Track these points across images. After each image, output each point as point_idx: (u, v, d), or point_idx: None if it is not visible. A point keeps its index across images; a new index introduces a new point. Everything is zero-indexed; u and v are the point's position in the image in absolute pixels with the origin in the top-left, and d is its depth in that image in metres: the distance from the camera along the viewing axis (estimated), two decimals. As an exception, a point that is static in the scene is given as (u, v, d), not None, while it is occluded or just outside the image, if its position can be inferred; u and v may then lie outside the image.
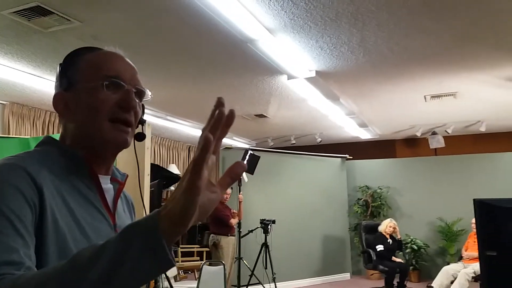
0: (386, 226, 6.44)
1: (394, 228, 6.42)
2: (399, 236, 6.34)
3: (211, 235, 5.51)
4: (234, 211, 5.60)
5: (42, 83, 4.63)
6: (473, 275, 5.58)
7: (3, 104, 5.48)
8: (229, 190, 5.73)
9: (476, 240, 5.89)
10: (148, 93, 0.92)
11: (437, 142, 7.37)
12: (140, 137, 0.95)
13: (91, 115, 0.83)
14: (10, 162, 0.76)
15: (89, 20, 3.22)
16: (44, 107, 5.77)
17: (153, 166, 4.40)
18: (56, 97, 0.87)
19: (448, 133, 7.23)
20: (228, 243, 5.42)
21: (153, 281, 4.05)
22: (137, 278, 0.57)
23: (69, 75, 0.87)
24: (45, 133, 5.84)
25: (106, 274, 0.55)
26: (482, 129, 6.95)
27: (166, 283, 4.31)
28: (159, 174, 5.83)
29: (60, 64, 0.90)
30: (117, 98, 0.84)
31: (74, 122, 0.86)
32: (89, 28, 3.36)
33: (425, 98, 5.53)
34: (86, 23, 3.26)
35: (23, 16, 3.11)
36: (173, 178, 7.32)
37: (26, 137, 4.78)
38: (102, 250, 0.57)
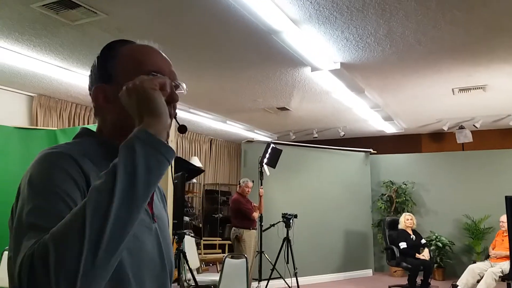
0: (404, 221, 6.35)
1: (412, 219, 6.33)
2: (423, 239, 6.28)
3: (233, 228, 5.52)
4: (254, 204, 5.60)
5: (69, 75, 4.72)
6: (501, 274, 5.43)
7: (31, 96, 5.61)
8: (250, 184, 5.73)
9: (504, 238, 5.77)
10: (184, 86, 0.93)
11: (465, 137, 7.17)
12: (183, 129, 0.93)
13: None
14: (57, 150, 0.78)
15: (114, 12, 3.25)
16: (71, 99, 5.88)
17: (176, 159, 4.43)
18: (96, 89, 0.88)
19: (476, 127, 7.02)
20: (250, 236, 5.43)
21: (176, 272, 4.09)
22: (153, 175, 0.66)
23: (109, 68, 0.88)
24: (71, 125, 5.96)
25: (128, 182, 0.63)
26: (512, 123, 6.74)
27: (189, 275, 4.34)
28: (182, 167, 5.88)
29: (98, 57, 0.91)
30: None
31: (115, 114, 0.86)
32: (115, 21, 3.39)
33: (453, 91, 5.38)
34: (112, 15, 3.29)
35: (51, 9, 3.16)
36: (195, 170, 7.38)
37: (53, 128, 4.88)
38: (113, 169, 0.64)
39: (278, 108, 6.46)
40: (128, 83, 0.76)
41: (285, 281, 5.47)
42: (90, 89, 0.90)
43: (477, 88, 5.21)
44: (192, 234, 5.31)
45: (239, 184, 5.80)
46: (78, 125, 6.03)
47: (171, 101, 0.85)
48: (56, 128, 5.03)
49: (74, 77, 4.78)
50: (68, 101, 5.95)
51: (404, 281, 6.19)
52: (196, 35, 3.71)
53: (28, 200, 0.70)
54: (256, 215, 5.51)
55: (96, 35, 3.66)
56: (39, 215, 0.67)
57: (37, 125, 5.46)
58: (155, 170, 0.67)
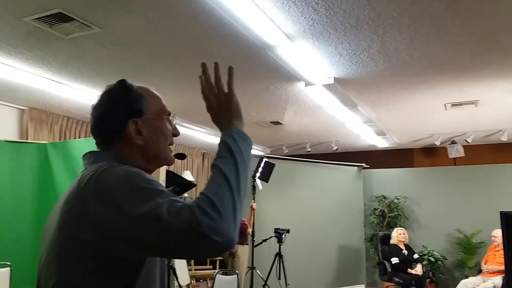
0: (396, 236, 6.35)
1: (404, 234, 6.34)
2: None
3: (226, 243, 5.45)
4: (243, 219, 5.55)
5: (61, 88, 4.67)
6: (493, 289, 5.43)
7: (22, 109, 5.55)
8: (244, 199, 5.69)
9: (496, 253, 5.78)
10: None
11: (457, 152, 7.22)
12: (182, 156, 1.34)
13: (161, 140, 1.11)
14: (128, 166, 0.98)
15: (108, 26, 3.23)
16: (63, 112, 5.82)
17: (168, 173, 4.40)
18: (131, 124, 1.06)
19: (468, 142, 7.08)
20: (244, 252, 5.37)
21: (168, 288, 4.02)
22: (248, 155, 0.98)
23: (138, 105, 1.08)
24: (62, 139, 5.89)
25: (241, 160, 0.95)
26: (504, 138, 6.80)
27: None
28: (173, 181, 5.82)
29: (120, 95, 1.08)
30: (171, 128, 1.15)
31: (145, 144, 1.07)
32: (109, 34, 3.38)
33: (445, 106, 5.42)
34: (106, 29, 3.28)
35: (45, 22, 3.13)
36: (187, 185, 7.30)
37: (43, 142, 4.82)
38: (228, 148, 0.96)
39: (271, 122, 6.46)
40: (226, 96, 1.11)
41: (278, 297, 5.39)
42: (107, 119, 1.07)
43: (469, 103, 5.26)
44: (184, 250, 5.24)
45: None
46: (70, 138, 5.97)
47: (175, 134, 1.15)
48: (46, 142, 4.97)
49: (67, 91, 4.73)
50: (59, 115, 5.89)
51: (397, 296, 6.15)
52: (190, 49, 3.70)
53: (142, 194, 0.87)
54: (250, 230, 5.46)
55: (90, 48, 3.64)
56: (159, 191, 0.88)
57: (27, 139, 5.39)
58: (248, 152, 0.99)
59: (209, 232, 0.80)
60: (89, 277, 0.89)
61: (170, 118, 1.15)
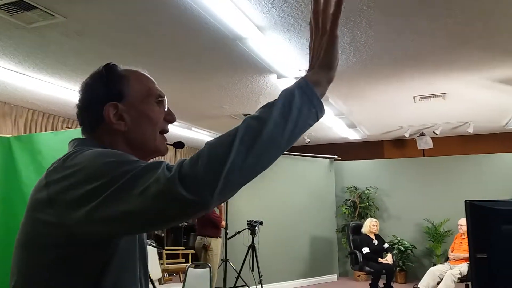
0: (369, 226, 6.46)
1: (377, 225, 6.47)
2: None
3: (199, 237, 5.41)
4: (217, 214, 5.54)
5: (24, 80, 4.49)
6: (459, 276, 5.60)
7: (-17, 101, 5.33)
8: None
9: (462, 241, 5.95)
10: None
11: (425, 143, 7.40)
12: (180, 145, 1.16)
13: (148, 126, 0.97)
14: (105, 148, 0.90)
15: (73, 15, 3.12)
16: (27, 105, 5.61)
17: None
18: (109, 107, 0.94)
19: (436, 134, 7.26)
20: (217, 245, 5.35)
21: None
22: (302, 120, 0.77)
23: (120, 88, 0.96)
24: (27, 132, 5.69)
25: (281, 118, 0.75)
26: (470, 130, 7.00)
27: (150, 286, 4.22)
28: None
29: (102, 77, 0.97)
30: (165, 113, 1.01)
31: (127, 130, 0.96)
32: (74, 24, 3.26)
33: (414, 99, 5.53)
34: (70, 18, 3.16)
35: (5, 10, 3.00)
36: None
37: (7, 135, 4.64)
38: (271, 104, 0.77)
39: (244, 115, 6.42)
40: (334, 31, 0.82)
41: (251, 289, 5.42)
42: (86, 104, 0.97)
43: (437, 96, 5.38)
44: (154, 244, 5.18)
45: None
46: (35, 132, 5.77)
47: (174, 121, 1.03)
48: (10, 135, 4.78)
49: (30, 82, 4.56)
50: (24, 107, 5.68)
51: (368, 285, 6.27)
52: (160, 40, 3.62)
53: (116, 166, 0.77)
54: (223, 223, 5.45)
55: (54, 38, 3.51)
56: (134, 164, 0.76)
57: (-11, 132, 5.18)
58: (305, 115, 0.78)
59: (176, 179, 0.69)
60: (53, 268, 0.81)
61: (161, 101, 1.00)
